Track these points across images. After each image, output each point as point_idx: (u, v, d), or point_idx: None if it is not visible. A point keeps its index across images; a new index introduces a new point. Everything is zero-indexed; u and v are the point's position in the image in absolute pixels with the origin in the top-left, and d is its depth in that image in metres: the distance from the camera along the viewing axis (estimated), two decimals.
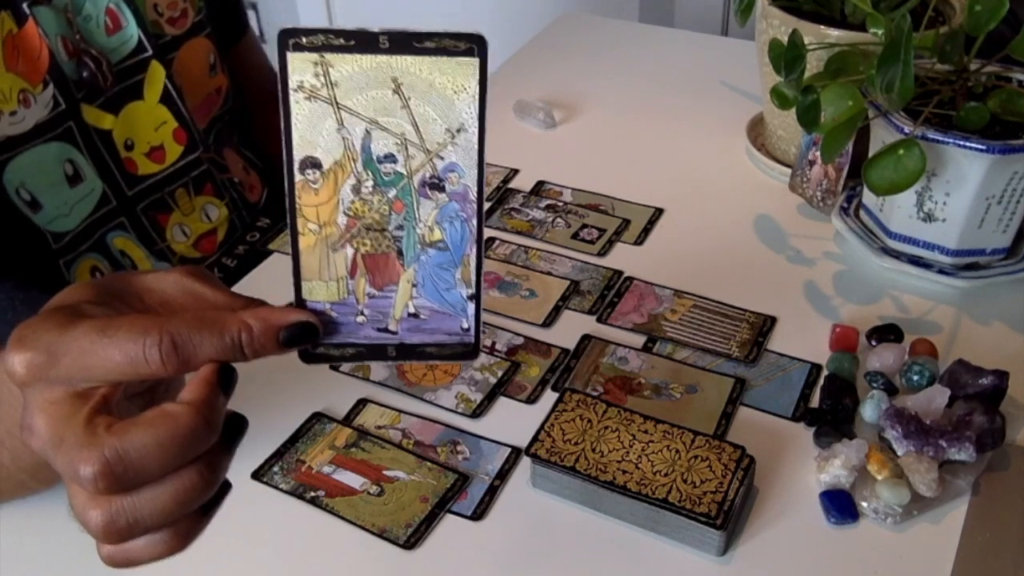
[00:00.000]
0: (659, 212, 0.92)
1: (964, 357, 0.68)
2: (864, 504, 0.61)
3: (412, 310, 0.44)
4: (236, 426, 0.42)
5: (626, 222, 0.90)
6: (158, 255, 0.85)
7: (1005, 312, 0.78)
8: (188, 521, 0.40)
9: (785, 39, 0.77)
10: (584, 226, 0.90)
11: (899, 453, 0.62)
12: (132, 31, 0.81)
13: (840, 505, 0.61)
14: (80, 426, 0.38)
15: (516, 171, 0.98)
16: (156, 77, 0.84)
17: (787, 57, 0.76)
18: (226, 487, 0.42)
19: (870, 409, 0.66)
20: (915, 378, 0.68)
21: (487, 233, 0.89)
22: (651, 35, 1.31)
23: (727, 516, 0.57)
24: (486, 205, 0.92)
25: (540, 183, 0.96)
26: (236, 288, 0.81)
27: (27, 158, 0.73)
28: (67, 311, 0.40)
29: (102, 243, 0.81)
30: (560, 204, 0.93)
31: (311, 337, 0.43)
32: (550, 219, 0.91)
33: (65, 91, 0.75)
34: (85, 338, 0.39)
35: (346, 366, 0.73)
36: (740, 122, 1.03)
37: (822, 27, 0.85)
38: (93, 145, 0.79)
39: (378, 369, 0.73)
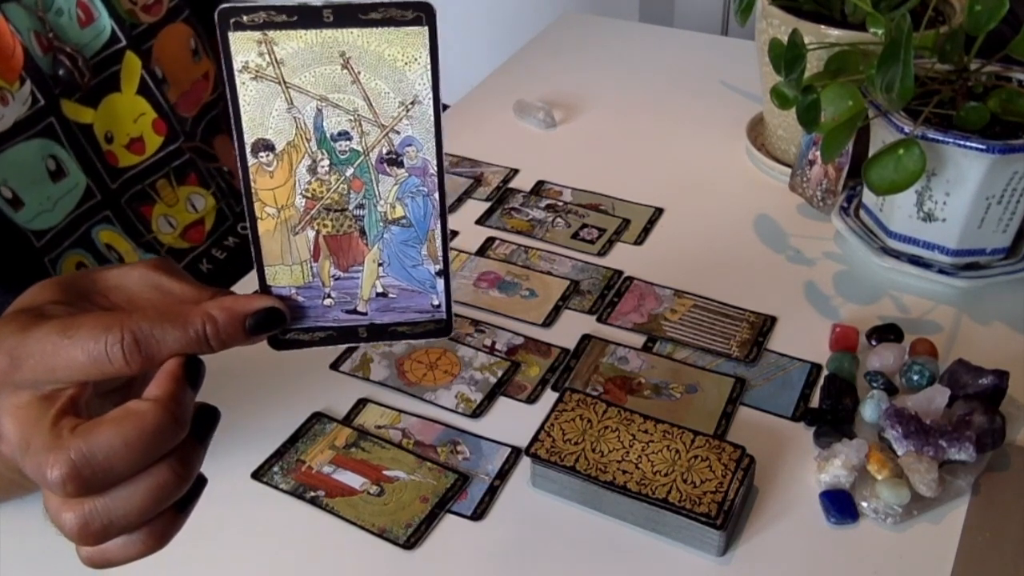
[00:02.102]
0: (659, 212, 0.92)
1: (964, 357, 0.68)
2: (864, 504, 0.61)
3: (380, 289, 0.43)
4: (207, 418, 0.41)
5: (626, 222, 0.90)
6: (145, 247, 0.85)
7: (1005, 312, 0.78)
8: (164, 519, 0.40)
9: (785, 39, 0.77)
10: (584, 226, 0.90)
11: (899, 453, 0.62)
12: (105, 22, 0.81)
13: (840, 505, 0.61)
14: (46, 429, 0.38)
15: (516, 171, 0.98)
16: (132, 68, 0.83)
17: (787, 57, 0.76)
18: (201, 482, 0.41)
19: (870, 409, 0.66)
20: (915, 378, 0.68)
21: (487, 232, 0.88)
22: (651, 35, 1.31)
23: (727, 516, 0.57)
24: (487, 204, 0.92)
25: (540, 183, 0.96)
26: (238, 286, 0.81)
27: (8, 156, 0.73)
28: (30, 313, 0.40)
29: (87, 238, 0.80)
30: (560, 204, 0.93)
31: (278, 323, 0.42)
32: (550, 219, 0.91)
33: (43, 87, 0.75)
34: (47, 339, 0.38)
35: (346, 365, 0.73)
36: (740, 122, 1.03)
37: (822, 27, 0.85)
38: (75, 139, 0.79)
39: (378, 369, 0.73)
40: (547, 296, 0.81)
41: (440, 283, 0.43)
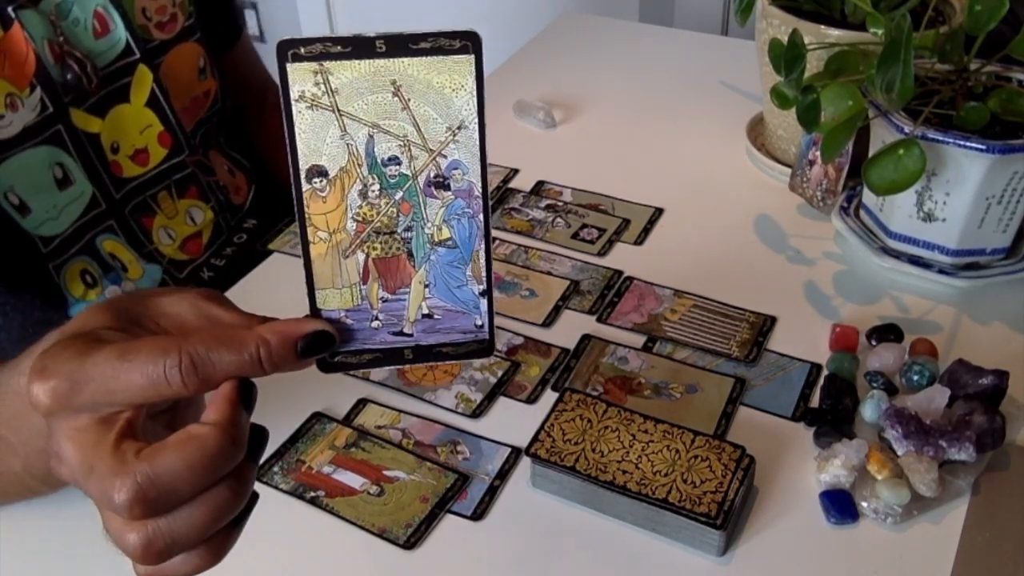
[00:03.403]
0: (659, 212, 0.92)
1: (964, 357, 0.68)
2: (864, 504, 0.61)
3: (426, 311, 0.44)
4: (259, 438, 0.42)
5: (626, 222, 0.90)
6: (147, 257, 0.85)
7: (1005, 312, 0.78)
8: (221, 535, 0.41)
9: (785, 39, 0.77)
10: (584, 226, 0.90)
11: (899, 453, 0.62)
12: (120, 34, 0.81)
13: (840, 505, 0.61)
14: (109, 453, 0.38)
15: (516, 171, 0.98)
16: (143, 81, 0.84)
17: (787, 57, 0.76)
18: (253, 498, 0.42)
19: (870, 409, 0.66)
20: (915, 378, 0.68)
21: None
22: (651, 35, 1.31)
23: (727, 516, 0.57)
24: None
25: (540, 183, 0.96)
26: (236, 288, 0.81)
27: (16, 162, 0.73)
28: (86, 338, 0.41)
29: (91, 246, 0.81)
30: (560, 204, 0.93)
31: (328, 346, 0.43)
32: (550, 219, 0.91)
33: (53, 95, 0.75)
34: (106, 364, 0.39)
35: None
36: (740, 122, 1.03)
37: (822, 27, 0.85)
38: (82, 148, 0.79)
39: (378, 369, 0.73)
40: (547, 296, 0.81)
41: (484, 303, 0.44)
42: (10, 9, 0.72)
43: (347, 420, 0.69)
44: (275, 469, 0.65)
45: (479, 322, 0.44)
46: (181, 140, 0.87)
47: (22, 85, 0.73)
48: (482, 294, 0.44)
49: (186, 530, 0.39)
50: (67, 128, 0.77)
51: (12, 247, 0.75)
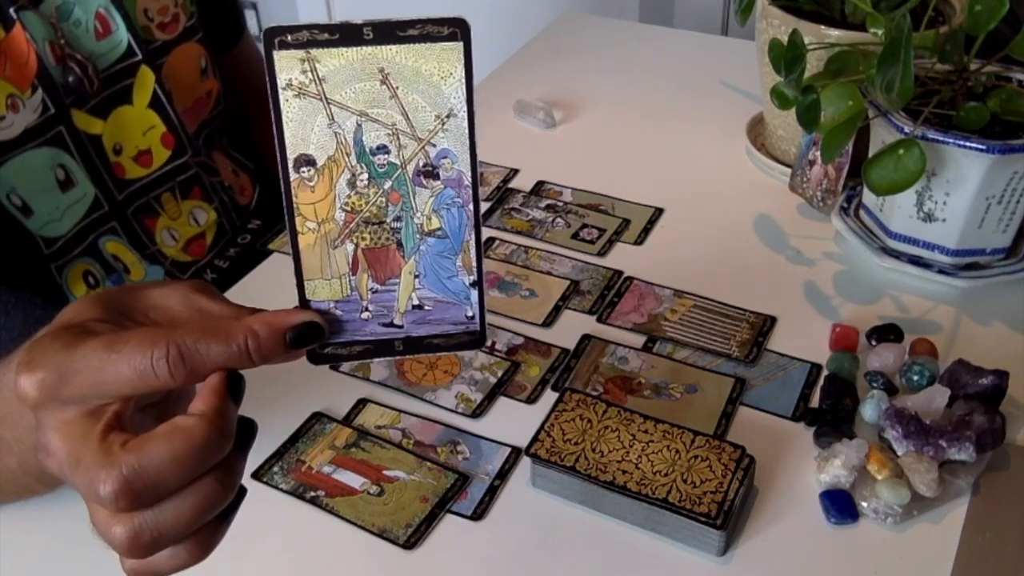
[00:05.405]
0: (659, 212, 0.92)
1: (964, 357, 0.68)
2: (864, 504, 0.61)
3: (416, 302, 0.44)
4: (247, 430, 0.42)
5: (626, 222, 0.90)
6: (150, 259, 0.85)
7: (1005, 312, 0.78)
8: (209, 529, 0.41)
9: (785, 39, 0.77)
10: (584, 226, 0.90)
11: (899, 453, 0.62)
12: (122, 36, 0.81)
13: (840, 505, 0.61)
14: (95, 445, 0.38)
15: (516, 171, 0.98)
16: (145, 82, 0.84)
17: (787, 57, 0.76)
18: (241, 492, 0.42)
19: (870, 409, 0.66)
20: (915, 378, 0.68)
21: (487, 232, 0.89)
22: (651, 35, 1.31)
23: (727, 516, 0.57)
24: (486, 205, 0.92)
25: (540, 183, 0.96)
26: (236, 288, 0.81)
27: (18, 163, 0.73)
28: (74, 330, 0.40)
29: (94, 247, 0.81)
30: (560, 204, 0.93)
31: (317, 337, 0.42)
32: (550, 219, 0.91)
33: (54, 96, 0.75)
34: (94, 355, 0.39)
35: (346, 365, 0.73)
36: (740, 122, 1.03)
37: (822, 27, 0.85)
38: (84, 150, 0.79)
39: (378, 369, 0.73)
40: (547, 296, 0.81)
41: (474, 294, 0.44)
42: (11, 10, 0.72)
43: (347, 420, 0.69)
44: (275, 469, 0.65)
45: (470, 313, 0.44)
46: (184, 141, 0.87)
47: (23, 86, 0.73)
48: (473, 284, 0.44)
49: (173, 523, 0.39)
50: (69, 130, 0.77)
51: (14, 247, 0.75)
